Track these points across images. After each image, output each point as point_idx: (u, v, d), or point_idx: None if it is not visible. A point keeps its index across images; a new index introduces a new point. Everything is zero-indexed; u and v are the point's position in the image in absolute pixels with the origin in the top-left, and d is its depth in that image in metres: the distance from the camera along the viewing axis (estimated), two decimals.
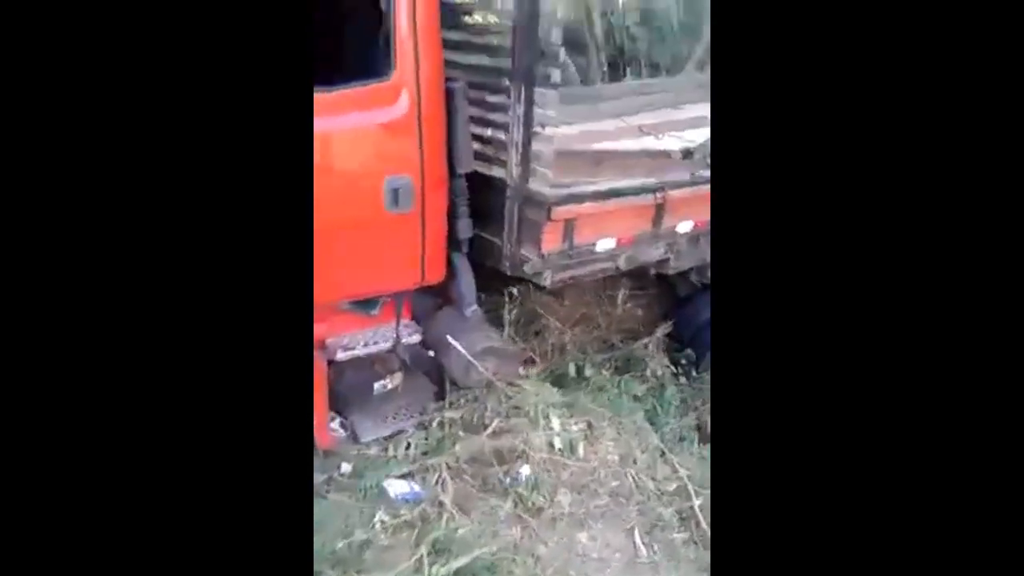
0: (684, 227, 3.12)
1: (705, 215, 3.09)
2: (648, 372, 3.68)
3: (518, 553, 2.34)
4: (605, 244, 2.83)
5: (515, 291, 4.30)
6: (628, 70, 4.86)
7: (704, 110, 4.29)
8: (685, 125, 3.85)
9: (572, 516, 2.52)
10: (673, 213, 2.96)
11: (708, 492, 2.59)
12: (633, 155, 3.27)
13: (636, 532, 2.47)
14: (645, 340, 4.00)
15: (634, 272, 3.69)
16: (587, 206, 2.68)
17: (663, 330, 4.13)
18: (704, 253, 3.43)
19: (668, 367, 3.80)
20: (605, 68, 4.75)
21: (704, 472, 2.78)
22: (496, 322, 3.90)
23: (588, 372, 3.55)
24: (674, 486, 2.67)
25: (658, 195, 2.86)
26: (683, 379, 3.82)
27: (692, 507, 2.58)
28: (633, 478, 2.59)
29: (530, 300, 4.81)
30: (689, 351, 3.95)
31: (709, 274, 3.76)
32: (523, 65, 2.44)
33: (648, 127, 3.64)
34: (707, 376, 3.88)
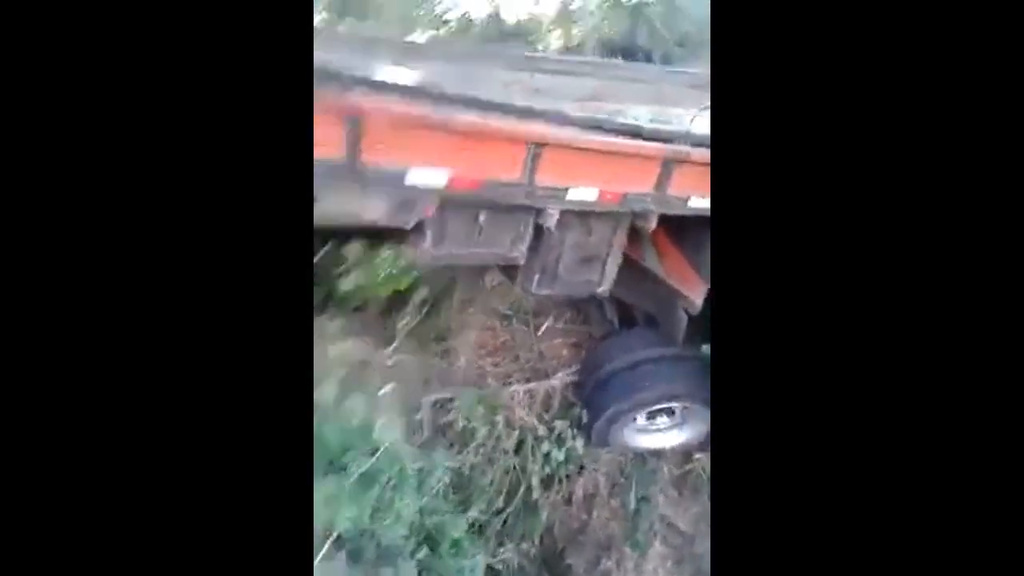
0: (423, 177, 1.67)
1: (479, 173, 1.74)
2: (473, 445, 2.47)
3: None
4: None
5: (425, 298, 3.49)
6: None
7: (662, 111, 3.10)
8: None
9: None
10: (388, 146, 1.57)
11: None
12: None
13: None
14: (521, 387, 2.89)
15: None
16: None
17: (562, 378, 2.99)
18: (498, 245, 2.04)
19: (523, 430, 2.65)
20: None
21: None
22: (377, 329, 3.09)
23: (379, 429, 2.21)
24: None
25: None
26: (552, 449, 2.66)
27: None
28: None
29: (445, 314, 3.96)
30: (580, 410, 2.78)
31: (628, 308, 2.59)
32: None
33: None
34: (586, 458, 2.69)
